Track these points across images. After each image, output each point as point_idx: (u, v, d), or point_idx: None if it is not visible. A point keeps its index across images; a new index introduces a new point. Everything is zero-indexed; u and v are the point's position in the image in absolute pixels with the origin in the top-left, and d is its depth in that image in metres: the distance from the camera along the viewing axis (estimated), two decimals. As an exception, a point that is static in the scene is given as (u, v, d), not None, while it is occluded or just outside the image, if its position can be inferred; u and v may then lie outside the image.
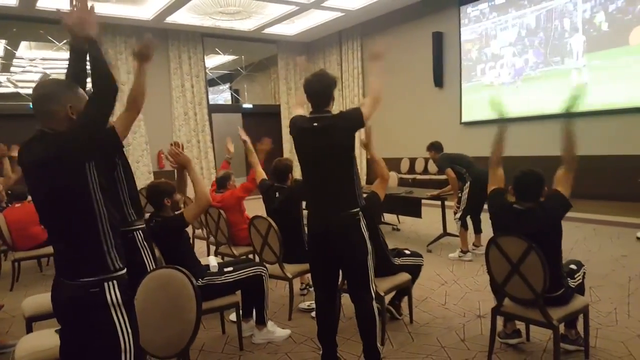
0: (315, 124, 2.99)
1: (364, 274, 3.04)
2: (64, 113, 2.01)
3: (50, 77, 2.53)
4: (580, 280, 3.28)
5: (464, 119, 11.33)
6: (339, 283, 3.32)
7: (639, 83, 8.39)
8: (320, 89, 3.04)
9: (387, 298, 3.81)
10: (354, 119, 2.97)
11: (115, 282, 2.01)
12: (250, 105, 15.49)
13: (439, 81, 11.87)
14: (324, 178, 3.04)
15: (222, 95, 16.98)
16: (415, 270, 4.05)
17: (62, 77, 2.37)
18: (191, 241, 5.18)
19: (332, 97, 3.08)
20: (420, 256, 4.14)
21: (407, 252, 4.06)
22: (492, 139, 3.42)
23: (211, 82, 14.85)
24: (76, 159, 1.94)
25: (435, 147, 6.33)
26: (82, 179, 1.95)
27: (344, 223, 3.00)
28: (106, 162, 2.72)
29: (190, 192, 3.58)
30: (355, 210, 3.03)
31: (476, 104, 10.96)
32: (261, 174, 4.73)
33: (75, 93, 2.09)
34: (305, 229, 4.41)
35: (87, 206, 1.97)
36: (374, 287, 3.10)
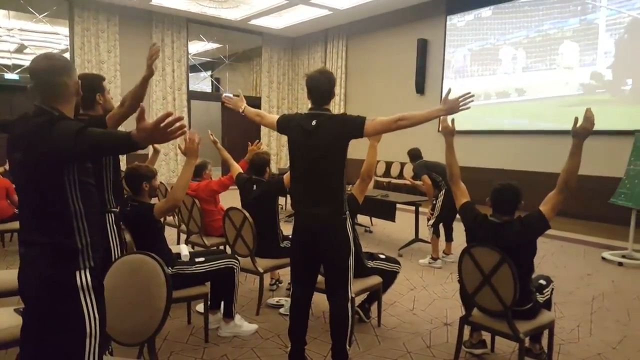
0: (314, 122, 2.96)
1: (344, 274, 3.04)
2: (74, 88, 1.96)
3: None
4: (549, 296, 3.32)
5: (443, 128, 11.29)
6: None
7: (611, 107, 8.53)
8: (326, 86, 3.01)
9: (358, 300, 3.80)
10: (354, 127, 2.91)
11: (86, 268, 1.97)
12: (231, 95, 15.27)
13: (420, 88, 11.90)
14: (315, 176, 3.01)
15: (202, 84, 16.76)
16: (389, 276, 4.05)
17: (42, 50, 2.29)
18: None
19: (333, 95, 3.07)
20: (397, 263, 4.13)
21: (381, 256, 4.05)
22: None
23: (192, 69, 14.64)
24: (54, 160, 1.86)
25: (411, 155, 6.36)
26: (58, 177, 1.87)
27: (331, 222, 2.99)
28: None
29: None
30: (343, 209, 3.02)
31: (455, 114, 10.88)
32: (237, 169, 4.74)
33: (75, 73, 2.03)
34: (280, 224, 4.42)
35: (61, 201, 1.89)
36: (351, 287, 3.10)
